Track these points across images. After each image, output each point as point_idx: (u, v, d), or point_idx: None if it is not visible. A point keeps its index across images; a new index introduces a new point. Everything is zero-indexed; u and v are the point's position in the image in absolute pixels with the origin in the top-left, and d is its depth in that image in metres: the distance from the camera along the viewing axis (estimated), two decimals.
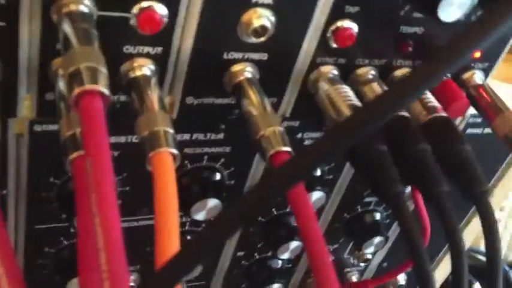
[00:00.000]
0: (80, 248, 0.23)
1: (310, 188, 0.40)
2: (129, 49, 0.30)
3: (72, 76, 0.24)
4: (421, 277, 0.30)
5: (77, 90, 0.23)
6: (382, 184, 0.32)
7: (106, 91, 0.23)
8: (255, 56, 0.33)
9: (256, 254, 0.46)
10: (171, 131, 0.28)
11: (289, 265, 0.49)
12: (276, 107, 0.36)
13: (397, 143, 0.34)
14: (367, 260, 0.52)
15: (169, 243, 0.23)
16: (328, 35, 0.34)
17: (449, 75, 0.40)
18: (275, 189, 0.20)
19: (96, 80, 0.23)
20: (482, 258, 0.78)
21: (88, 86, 0.23)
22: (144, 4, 0.28)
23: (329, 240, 0.50)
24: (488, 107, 0.41)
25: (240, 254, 0.46)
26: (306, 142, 0.39)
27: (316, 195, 0.40)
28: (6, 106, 0.29)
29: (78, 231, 0.23)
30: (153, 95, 0.29)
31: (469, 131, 0.46)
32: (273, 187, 0.20)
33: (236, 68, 0.32)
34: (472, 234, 0.55)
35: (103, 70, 0.24)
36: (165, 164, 0.26)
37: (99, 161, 0.21)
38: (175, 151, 0.27)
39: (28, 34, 0.27)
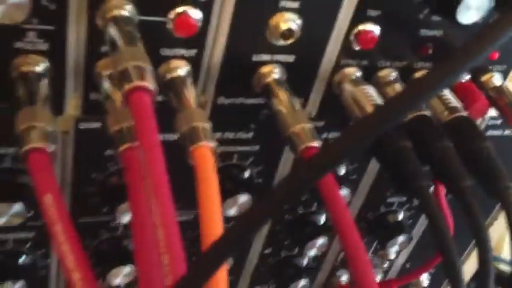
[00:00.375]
0: (135, 229, 0.24)
1: None
2: (165, 51, 0.32)
3: (121, 74, 0.26)
4: (450, 267, 0.31)
5: (127, 87, 0.25)
6: (408, 178, 0.33)
7: (153, 87, 0.26)
8: (283, 57, 0.35)
9: (282, 252, 0.48)
10: (208, 126, 0.30)
11: (315, 263, 0.51)
12: (302, 107, 0.37)
13: (421, 141, 0.35)
14: (390, 260, 0.53)
15: (214, 227, 0.25)
16: (351, 37, 0.36)
17: (468, 77, 0.42)
18: (305, 179, 0.22)
19: (143, 77, 0.26)
20: (504, 267, 0.78)
21: (137, 82, 0.25)
22: (179, 9, 0.30)
23: None
24: (507, 108, 0.42)
25: (268, 251, 0.47)
26: None
27: (342, 192, 0.42)
28: (54, 105, 0.31)
29: (132, 213, 0.25)
30: (190, 94, 0.32)
31: (489, 132, 0.48)
32: (303, 178, 0.22)
33: (265, 69, 0.35)
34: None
35: (149, 68, 0.26)
36: (206, 156, 0.28)
37: (152, 147, 0.23)
38: (213, 144, 0.29)
39: (75, 38, 0.30)
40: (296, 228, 0.46)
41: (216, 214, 0.26)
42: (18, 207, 0.33)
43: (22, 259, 0.38)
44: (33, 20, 0.28)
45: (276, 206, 0.22)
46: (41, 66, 0.29)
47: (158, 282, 0.23)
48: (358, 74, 0.38)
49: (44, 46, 0.29)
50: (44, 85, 0.29)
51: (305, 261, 0.49)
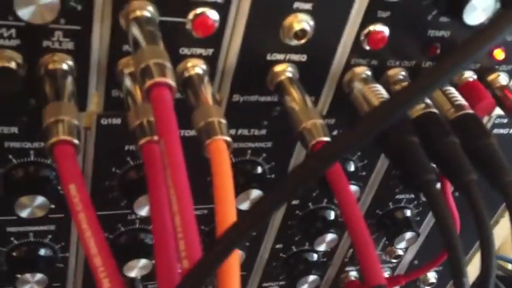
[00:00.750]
0: (154, 217, 0.26)
1: None
2: (184, 51, 0.33)
3: (143, 71, 0.27)
4: (455, 264, 0.32)
5: (148, 83, 0.27)
6: (415, 172, 0.34)
7: (173, 83, 0.27)
8: (296, 57, 0.36)
9: (293, 247, 0.49)
10: (224, 121, 0.31)
11: (325, 259, 0.52)
12: (313, 105, 0.39)
13: (427, 136, 0.37)
14: (398, 256, 0.55)
15: (228, 216, 0.26)
16: (362, 38, 0.37)
17: (475, 76, 0.43)
18: (314, 168, 0.23)
19: (164, 73, 0.27)
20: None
21: (158, 79, 0.27)
22: (198, 10, 0.32)
23: None
24: None
25: (279, 246, 0.49)
26: None
27: (351, 188, 0.43)
28: (77, 101, 0.33)
29: (151, 202, 0.27)
30: (207, 91, 0.33)
31: (496, 131, 0.49)
32: (312, 166, 0.23)
33: (278, 68, 0.36)
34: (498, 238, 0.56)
35: (169, 65, 0.28)
36: (220, 149, 0.29)
37: (171, 139, 0.25)
38: (228, 138, 0.30)
39: (99, 37, 0.31)
40: (306, 224, 0.47)
41: (230, 204, 0.27)
42: (41, 199, 0.34)
43: (42, 251, 0.40)
44: (61, 20, 0.29)
45: (286, 194, 0.23)
46: (67, 64, 0.31)
47: (175, 266, 0.25)
48: (368, 73, 0.39)
49: (70, 45, 0.31)
50: (69, 82, 0.31)
51: (315, 257, 0.50)
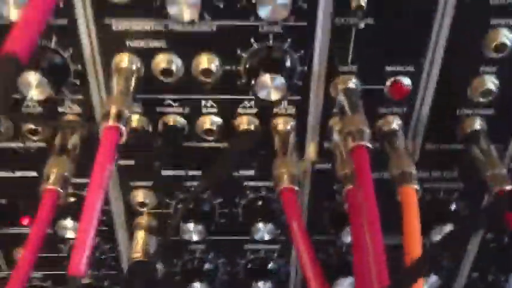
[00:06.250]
0: (355, 250, 0.34)
1: None
2: (382, 110, 0.41)
3: (348, 134, 0.35)
4: None
5: (351, 144, 0.35)
6: None
7: (370, 145, 0.35)
8: (483, 111, 0.41)
9: (489, 276, 0.53)
10: (414, 171, 0.38)
11: None
12: (502, 152, 0.43)
13: None
14: None
15: (415, 248, 0.33)
16: None
17: None
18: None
19: (363, 138, 0.35)
20: None
21: (359, 142, 0.35)
22: (394, 78, 0.39)
23: None
24: None
25: (475, 275, 0.53)
26: None
27: None
28: (298, 151, 0.42)
29: (353, 238, 0.35)
30: (401, 143, 0.40)
31: None
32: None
33: (467, 121, 0.41)
34: None
35: (367, 130, 0.35)
36: (411, 195, 0.36)
37: (368, 189, 0.33)
38: (417, 187, 0.37)
39: (315, 103, 0.40)
40: (502, 256, 0.50)
41: (416, 238, 0.34)
42: (270, 226, 0.45)
43: (271, 265, 0.50)
44: (287, 94, 0.39)
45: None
46: (290, 126, 0.40)
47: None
48: None
49: (292, 111, 0.40)
50: (292, 138, 0.41)
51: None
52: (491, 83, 0.39)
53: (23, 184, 0.43)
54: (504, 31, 0.37)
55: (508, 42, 0.37)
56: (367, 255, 0.33)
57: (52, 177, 0.37)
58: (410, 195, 0.37)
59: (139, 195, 0.45)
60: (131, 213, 0.46)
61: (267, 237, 0.45)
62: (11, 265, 0.50)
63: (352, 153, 0.35)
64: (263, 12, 0.34)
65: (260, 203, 0.45)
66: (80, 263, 0.29)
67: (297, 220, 0.37)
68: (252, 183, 0.45)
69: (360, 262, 0.36)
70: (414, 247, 0.34)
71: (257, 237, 0.45)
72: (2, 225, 0.47)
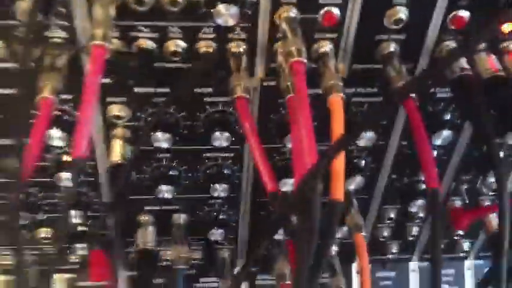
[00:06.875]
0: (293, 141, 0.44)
1: None
2: (317, 35, 0.50)
3: (289, 53, 0.45)
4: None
5: (291, 60, 0.44)
6: None
7: (305, 61, 0.44)
8: (396, 36, 0.51)
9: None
10: (341, 83, 0.48)
11: None
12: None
13: None
14: None
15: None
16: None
17: None
18: None
19: (300, 55, 0.44)
20: None
21: (297, 58, 0.44)
22: (326, 9, 0.48)
23: None
24: None
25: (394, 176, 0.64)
26: None
27: None
28: (249, 71, 0.51)
29: (291, 141, 0.45)
30: (332, 63, 0.50)
31: None
32: None
33: (383, 45, 0.51)
34: None
35: (303, 49, 0.45)
36: (338, 103, 0.46)
37: (302, 97, 0.42)
38: (343, 95, 0.47)
39: (262, 31, 0.49)
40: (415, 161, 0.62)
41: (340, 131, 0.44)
42: (227, 134, 0.54)
43: (226, 170, 0.60)
44: (239, 21, 0.47)
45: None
46: (243, 48, 0.49)
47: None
48: None
49: (244, 36, 0.49)
50: (244, 59, 0.50)
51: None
52: (402, 13, 0.49)
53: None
54: None
55: None
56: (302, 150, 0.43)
57: (47, 89, 0.45)
58: (338, 102, 0.46)
59: (116, 109, 0.53)
60: (108, 126, 0.54)
61: (224, 144, 0.55)
62: None
63: (292, 67, 0.44)
64: None
65: (218, 115, 0.55)
66: (82, 147, 0.38)
67: (248, 121, 0.46)
68: (210, 99, 0.54)
69: (297, 156, 0.46)
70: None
71: (216, 144, 0.55)
72: None
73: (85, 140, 0.38)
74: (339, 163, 0.41)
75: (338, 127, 0.44)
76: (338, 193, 0.42)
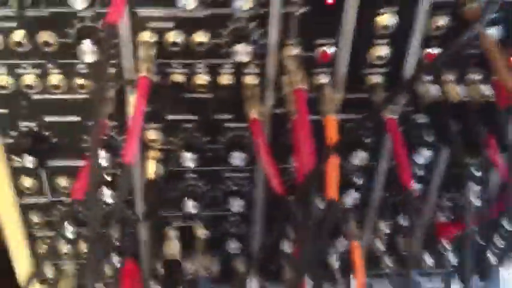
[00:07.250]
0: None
1: None
2: (315, 70, 0.62)
3: (292, 83, 0.56)
4: None
5: (294, 88, 0.56)
6: None
7: (306, 88, 0.56)
8: (379, 70, 0.62)
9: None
10: (335, 107, 0.59)
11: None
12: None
13: None
14: None
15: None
16: None
17: None
18: None
19: (302, 84, 0.56)
20: None
21: (299, 86, 0.55)
22: (322, 48, 0.60)
23: None
24: None
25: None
26: None
27: None
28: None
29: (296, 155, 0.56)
30: (328, 92, 0.61)
31: None
32: None
33: (369, 77, 0.62)
34: None
35: (305, 80, 0.56)
36: (331, 122, 0.57)
37: (303, 120, 0.53)
38: (336, 117, 0.58)
39: (271, 66, 0.61)
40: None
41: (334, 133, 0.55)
42: (244, 154, 0.65)
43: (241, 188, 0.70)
44: (253, 59, 0.59)
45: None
46: (256, 81, 0.61)
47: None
48: None
49: (257, 70, 0.61)
50: (257, 90, 0.61)
51: None
52: (383, 51, 0.60)
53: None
54: (388, 17, 0.58)
55: (390, 24, 0.58)
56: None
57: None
58: (332, 121, 0.58)
59: (151, 134, 0.64)
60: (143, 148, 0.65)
61: (241, 164, 0.65)
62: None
63: (295, 93, 0.56)
64: (237, 3, 0.54)
65: (236, 139, 0.66)
66: (131, 153, 0.49)
67: (261, 138, 0.57)
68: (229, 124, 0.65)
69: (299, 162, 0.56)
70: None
71: (234, 163, 0.65)
72: None
73: (134, 149, 0.49)
74: (333, 166, 0.52)
75: (332, 131, 0.55)
76: (332, 193, 0.52)
